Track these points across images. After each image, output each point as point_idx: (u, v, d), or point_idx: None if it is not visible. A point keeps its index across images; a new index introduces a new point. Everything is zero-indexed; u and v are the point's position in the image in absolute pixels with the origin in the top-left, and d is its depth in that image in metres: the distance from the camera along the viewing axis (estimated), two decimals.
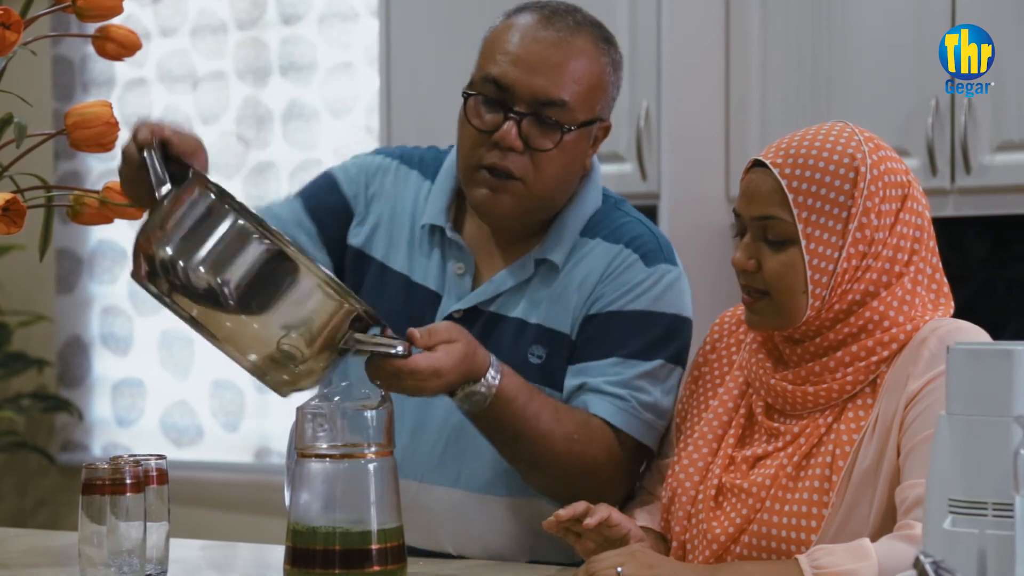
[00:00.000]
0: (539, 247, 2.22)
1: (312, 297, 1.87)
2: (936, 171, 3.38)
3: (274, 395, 1.99)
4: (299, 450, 1.82)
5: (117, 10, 2.04)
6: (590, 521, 1.93)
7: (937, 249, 2.00)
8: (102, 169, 4.99)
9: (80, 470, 1.87)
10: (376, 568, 1.79)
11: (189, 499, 4.53)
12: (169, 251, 1.87)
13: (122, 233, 4.95)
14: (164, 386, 4.99)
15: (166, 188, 1.91)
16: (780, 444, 1.97)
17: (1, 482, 5.25)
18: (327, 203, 2.31)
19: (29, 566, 2.14)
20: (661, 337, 2.19)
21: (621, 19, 3.61)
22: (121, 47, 2.05)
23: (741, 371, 2.06)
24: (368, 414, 1.82)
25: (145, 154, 1.93)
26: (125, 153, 1.97)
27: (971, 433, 1.45)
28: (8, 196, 1.93)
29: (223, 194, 1.88)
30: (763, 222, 1.94)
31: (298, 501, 1.82)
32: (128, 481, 1.84)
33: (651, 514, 2.12)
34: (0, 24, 1.90)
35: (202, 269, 1.85)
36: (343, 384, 1.88)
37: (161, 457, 1.99)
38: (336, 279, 1.91)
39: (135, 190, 1.99)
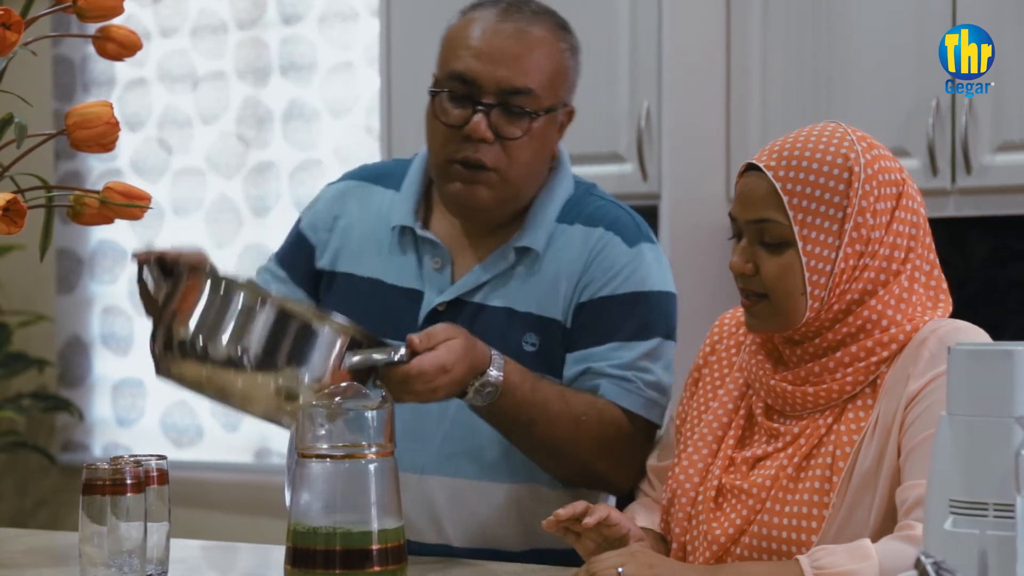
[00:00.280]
0: (517, 235, 2.27)
1: (310, 337, 1.96)
2: (937, 171, 3.38)
3: None
4: (300, 450, 1.83)
5: (117, 10, 2.04)
6: (589, 520, 1.93)
7: (934, 246, 2.00)
8: (102, 169, 4.98)
9: (80, 470, 1.88)
10: (377, 568, 1.79)
11: (189, 499, 4.53)
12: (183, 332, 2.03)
13: (122, 233, 4.95)
14: (164, 386, 4.96)
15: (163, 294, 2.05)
16: (780, 445, 1.97)
17: (1, 482, 5.25)
18: (299, 258, 2.39)
19: (29, 566, 2.14)
20: (654, 315, 2.26)
21: (622, 19, 3.61)
22: (121, 47, 2.05)
23: (741, 372, 2.06)
24: (368, 414, 1.82)
25: (145, 271, 2.08)
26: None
27: (972, 433, 1.45)
28: (8, 196, 1.92)
29: (205, 272, 2.02)
30: (759, 225, 1.94)
31: (299, 501, 1.82)
32: (129, 481, 1.85)
33: (651, 514, 2.12)
34: (0, 24, 1.90)
35: (222, 340, 1.99)
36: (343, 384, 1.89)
37: (162, 457, 1.99)
38: (317, 308, 2.02)
39: (150, 310, 2.14)
